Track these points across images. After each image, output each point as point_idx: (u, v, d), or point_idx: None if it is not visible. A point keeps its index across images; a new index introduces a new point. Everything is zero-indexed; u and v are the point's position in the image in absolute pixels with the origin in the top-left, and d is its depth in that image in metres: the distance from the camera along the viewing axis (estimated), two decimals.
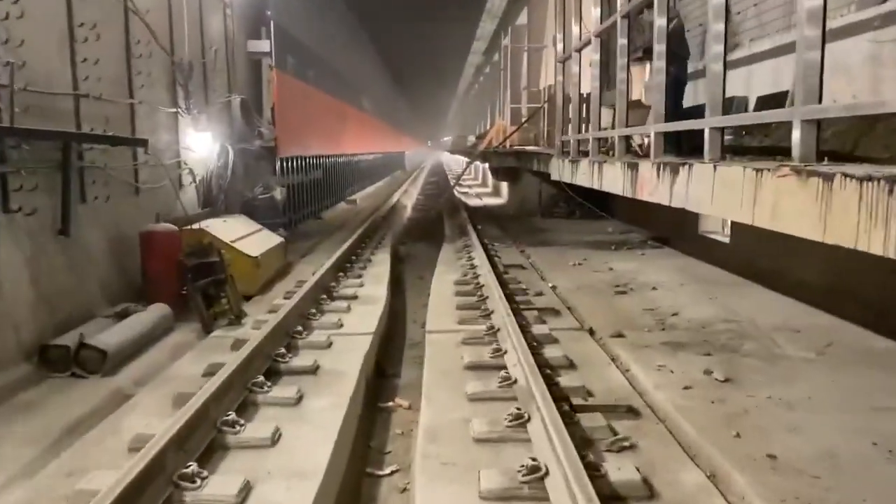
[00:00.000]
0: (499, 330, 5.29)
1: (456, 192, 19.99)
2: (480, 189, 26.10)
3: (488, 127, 36.01)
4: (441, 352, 5.09)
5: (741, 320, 5.79)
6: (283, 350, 4.81)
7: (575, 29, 9.24)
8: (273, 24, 10.39)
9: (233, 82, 9.23)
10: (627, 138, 7.41)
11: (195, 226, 6.94)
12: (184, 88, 7.34)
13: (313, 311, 6.04)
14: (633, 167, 6.03)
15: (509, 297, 6.46)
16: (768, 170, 3.63)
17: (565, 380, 4.28)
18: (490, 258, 8.71)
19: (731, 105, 8.14)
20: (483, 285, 7.01)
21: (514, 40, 23.49)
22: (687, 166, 4.79)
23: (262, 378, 4.25)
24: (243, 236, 7.48)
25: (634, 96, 12.63)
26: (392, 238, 12.13)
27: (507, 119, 20.50)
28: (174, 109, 7.29)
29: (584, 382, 4.29)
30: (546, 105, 16.90)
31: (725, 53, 4.52)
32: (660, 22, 5.55)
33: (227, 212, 8.38)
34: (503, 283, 7.04)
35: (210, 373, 4.42)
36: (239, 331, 5.75)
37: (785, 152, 4.90)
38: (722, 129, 4.59)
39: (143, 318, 5.51)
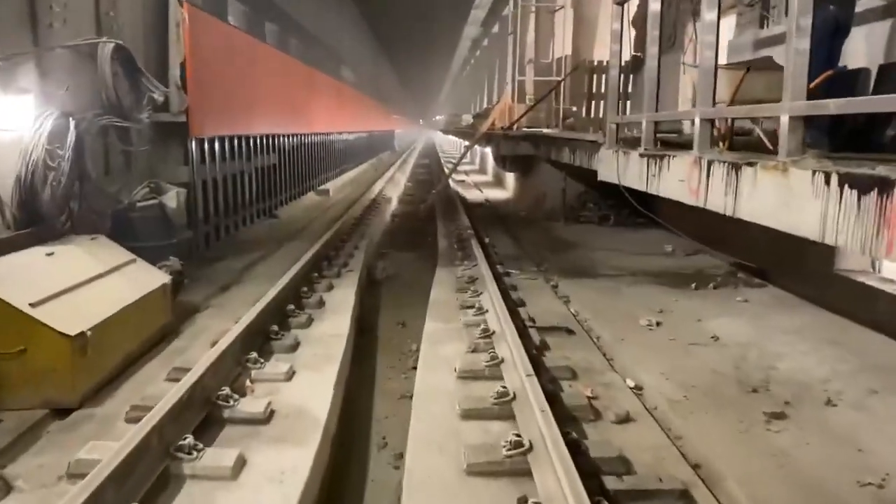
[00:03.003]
0: None
1: (451, 183, 16.56)
2: (479, 177, 22.65)
3: (486, 105, 32.54)
4: None
5: None
6: None
7: None
8: None
9: (108, 20, 5.77)
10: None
11: None
12: None
13: None
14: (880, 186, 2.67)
15: (575, 446, 3.11)
16: None
17: None
18: (512, 311, 5.36)
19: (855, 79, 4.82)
20: (514, 396, 3.65)
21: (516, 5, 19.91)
22: None
23: None
24: (73, 286, 4.08)
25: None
26: (367, 249, 8.74)
27: (514, 96, 17.05)
28: None
29: None
30: (568, 76, 13.44)
31: None
32: None
33: (75, 231, 4.96)
34: (552, 396, 3.67)
35: None
36: None
37: None
38: None
39: None
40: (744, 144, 4.90)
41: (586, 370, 4.33)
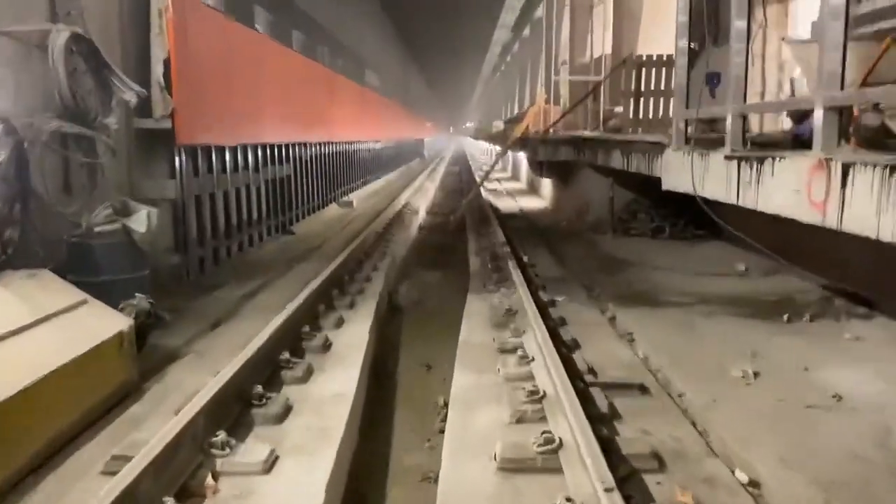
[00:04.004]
0: None
1: (482, 192, 15.42)
2: (512, 184, 21.48)
3: (517, 111, 31.32)
4: None
5: None
6: None
7: None
8: None
9: (64, 4, 4.75)
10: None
11: None
12: None
13: None
14: None
15: None
16: None
17: None
18: (566, 359, 4.20)
19: None
20: None
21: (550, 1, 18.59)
22: None
23: None
24: None
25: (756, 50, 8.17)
26: (389, 270, 7.64)
27: (550, 98, 15.81)
28: None
29: None
30: (611, 74, 12.22)
31: None
32: None
33: (13, 265, 3.93)
34: None
35: None
36: None
37: None
38: None
39: None
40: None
41: (676, 455, 3.13)
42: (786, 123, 6.97)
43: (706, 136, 5.52)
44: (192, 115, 6.04)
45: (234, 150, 7.76)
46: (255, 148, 8.48)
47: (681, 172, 5.19)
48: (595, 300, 6.15)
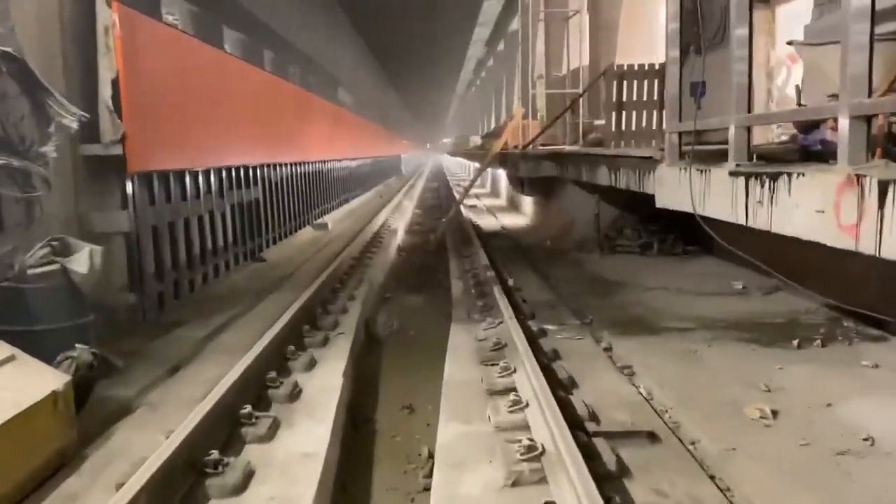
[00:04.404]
0: None
1: (462, 209, 15.00)
2: (492, 201, 21.10)
3: (494, 124, 31.07)
4: None
5: None
6: None
7: None
8: None
9: None
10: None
11: None
12: None
13: None
14: None
15: None
16: None
17: None
18: (563, 403, 3.76)
19: None
20: None
21: (524, 13, 18.28)
22: None
23: None
24: None
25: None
26: (366, 299, 7.17)
27: (530, 112, 15.48)
28: None
29: None
30: (591, 86, 11.91)
31: None
32: None
33: None
34: None
35: None
36: None
37: None
38: None
39: None
40: None
41: None
42: (780, 134, 6.65)
43: (696, 149, 5.15)
44: (145, 140, 5.54)
45: (195, 175, 7.24)
46: (219, 171, 7.98)
47: (677, 190, 4.80)
48: (588, 328, 5.71)
